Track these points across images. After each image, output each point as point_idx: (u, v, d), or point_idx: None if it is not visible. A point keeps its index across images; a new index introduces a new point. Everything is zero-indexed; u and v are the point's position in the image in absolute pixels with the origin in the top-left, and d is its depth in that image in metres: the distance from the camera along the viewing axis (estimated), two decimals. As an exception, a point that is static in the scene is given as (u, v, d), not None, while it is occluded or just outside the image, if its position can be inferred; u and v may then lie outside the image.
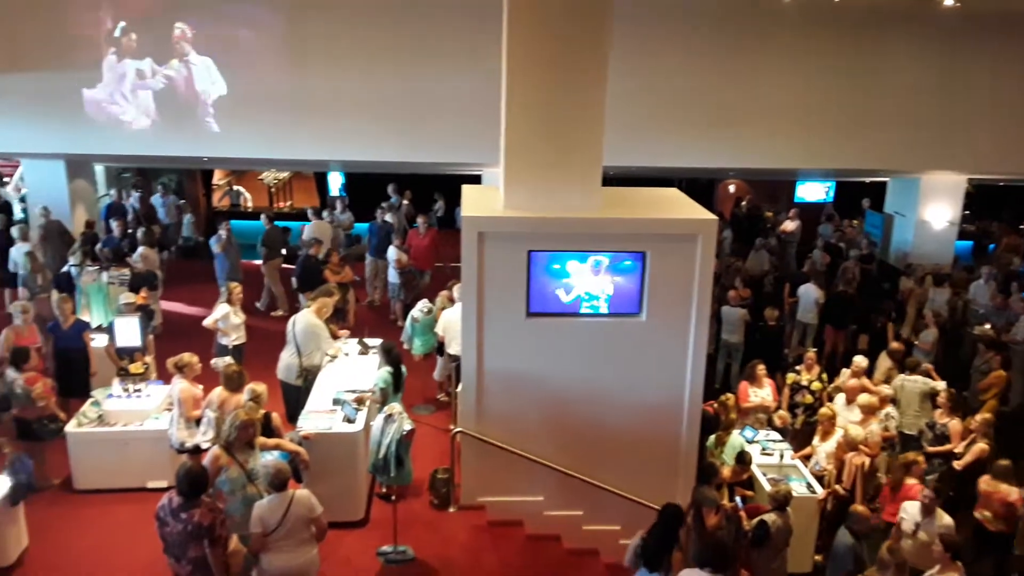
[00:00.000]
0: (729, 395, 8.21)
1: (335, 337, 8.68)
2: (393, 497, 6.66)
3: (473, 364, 6.99)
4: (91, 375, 8.36)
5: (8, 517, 6.42)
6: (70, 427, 7.46)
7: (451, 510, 7.29)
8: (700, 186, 18.73)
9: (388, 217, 13.44)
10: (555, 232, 6.77)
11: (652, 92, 12.00)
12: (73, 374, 8.31)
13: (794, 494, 6.89)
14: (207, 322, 8.91)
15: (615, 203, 7.14)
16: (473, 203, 7.28)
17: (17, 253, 10.94)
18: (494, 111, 7.24)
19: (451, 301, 9.34)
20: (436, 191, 17.05)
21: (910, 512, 6.70)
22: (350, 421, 7.01)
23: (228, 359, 8.09)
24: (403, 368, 7.64)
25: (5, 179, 16.59)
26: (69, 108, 12.14)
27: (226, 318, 8.81)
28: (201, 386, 7.23)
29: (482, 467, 7.14)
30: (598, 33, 6.56)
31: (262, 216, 13.04)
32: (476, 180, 13.69)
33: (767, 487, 7.22)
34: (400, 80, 12.03)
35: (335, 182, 20.39)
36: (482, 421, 7.10)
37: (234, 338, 8.88)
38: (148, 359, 8.48)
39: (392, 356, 7.48)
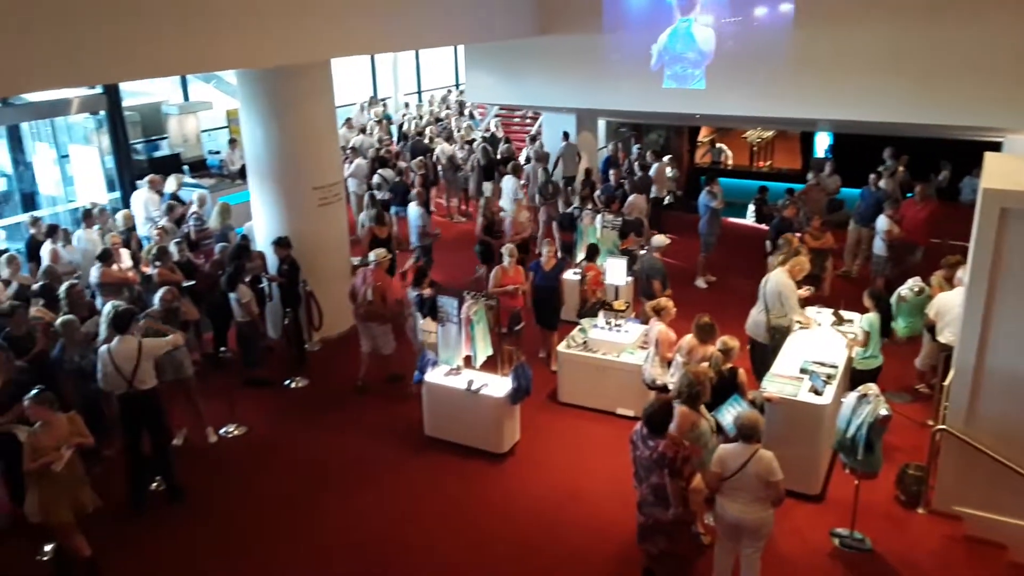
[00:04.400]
0: None
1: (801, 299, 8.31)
2: (856, 481, 6.27)
3: (971, 358, 6.14)
4: (560, 305, 9.34)
5: (508, 413, 7.71)
6: (561, 347, 8.61)
7: (919, 511, 6.63)
8: None
9: (882, 183, 12.34)
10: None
11: None
12: (544, 309, 9.34)
13: None
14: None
15: None
16: (998, 174, 6.28)
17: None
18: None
19: (949, 282, 8.29)
20: (941, 158, 15.04)
21: None
22: (817, 393, 6.75)
23: None
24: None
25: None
26: (587, 66, 13.46)
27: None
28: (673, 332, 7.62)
29: (965, 474, 6.33)
30: None
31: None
32: (994, 148, 11.70)
33: None
34: (912, 31, 10.75)
35: (822, 143, 19.41)
36: (972, 424, 6.25)
37: None
38: (629, 299, 9.24)
39: (882, 302, 7.47)
